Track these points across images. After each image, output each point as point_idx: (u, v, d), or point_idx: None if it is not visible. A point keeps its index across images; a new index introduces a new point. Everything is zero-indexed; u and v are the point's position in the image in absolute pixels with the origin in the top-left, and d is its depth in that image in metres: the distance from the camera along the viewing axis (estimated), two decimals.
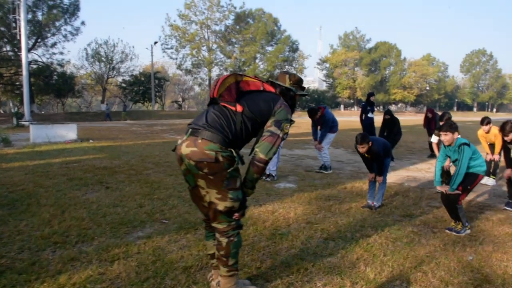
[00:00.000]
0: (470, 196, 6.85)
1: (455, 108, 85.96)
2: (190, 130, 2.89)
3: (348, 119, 39.70)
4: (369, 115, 11.75)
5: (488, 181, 8.27)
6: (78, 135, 16.01)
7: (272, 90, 3.09)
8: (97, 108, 46.22)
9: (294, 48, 54.69)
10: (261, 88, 3.05)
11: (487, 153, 8.37)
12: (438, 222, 5.35)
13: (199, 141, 2.78)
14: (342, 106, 65.35)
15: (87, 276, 3.48)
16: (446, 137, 5.00)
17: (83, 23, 46.83)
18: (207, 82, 56.02)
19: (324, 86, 71.57)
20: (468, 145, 4.98)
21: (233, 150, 2.82)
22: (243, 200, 2.97)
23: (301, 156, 11.45)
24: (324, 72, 66.66)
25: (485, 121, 8.10)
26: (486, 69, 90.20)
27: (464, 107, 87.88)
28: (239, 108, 2.88)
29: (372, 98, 11.98)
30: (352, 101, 66.19)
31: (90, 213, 5.37)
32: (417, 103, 72.82)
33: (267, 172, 7.81)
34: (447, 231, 4.99)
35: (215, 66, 54.68)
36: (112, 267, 3.67)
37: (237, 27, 52.77)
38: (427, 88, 71.38)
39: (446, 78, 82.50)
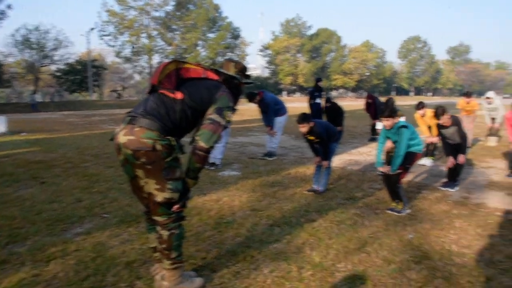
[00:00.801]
0: (409, 177, 7.11)
1: (393, 93, 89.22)
2: (128, 118, 2.76)
3: (291, 105, 39.85)
4: (317, 100, 11.86)
5: (426, 161, 8.63)
6: (8, 128, 15.08)
7: (215, 77, 3.00)
8: (29, 99, 43.79)
9: (236, 35, 54.29)
10: (203, 76, 2.96)
11: (426, 136, 8.71)
12: (380, 204, 5.50)
13: (136, 129, 2.67)
14: (285, 93, 65.95)
15: (19, 279, 3.25)
16: (388, 122, 5.13)
17: (9, 6, 43.87)
18: (147, 70, 54.49)
19: (266, 73, 71.74)
20: (407, 127, 5.13)
21: (171, 139, 2.72)
22: (184, 191, 2.88)
23: (245, 143, 11.42)
24: (267, 59, 66.81)
25: (419, 106, 8.42)
26: (421, 55, 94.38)
27: (402, 91, 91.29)
28: (179, 95, 2.78)
29: (320, 83, 12.09)
30: (294, 87, 66.84)
31: (23, 211, 5.04)
32: (357, 89, 74.80)
33: (212, 160, 7.70)
34: (388, 211, 5.14)
35: (156, 54, 53.23)
36: (48, 268, 3.46)
37: (178, 13, 51.46)
38: (367, 73, 73.40)
39: (385, 64, 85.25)
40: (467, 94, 11.17)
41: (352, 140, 12.59)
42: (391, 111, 5.12)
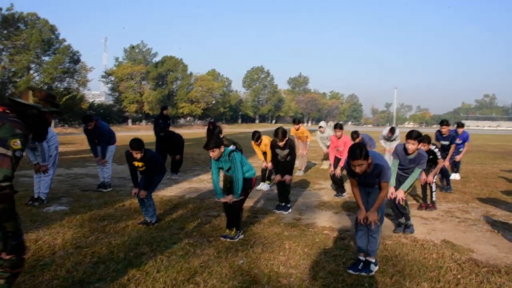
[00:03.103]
0: (247, 203, 7.25)
1: (239, 121, 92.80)
2: None
3: (136, 134, 39.01)
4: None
5: (262, 186, 8.95)
6: None
7: None
8: None
9: (75, 60, 50.61)
10: None
11: (262, 161, 9.05)
12: (214, 231, 5.46)
13: None
14: (130, 121, 63.62)
15: None
16: (214, 153, 5.09)
17: None
18: None
19: (110, 100, 68.46)
20: (236, 151, 5.21)
21: None
22: (7, 236, 2.48)
23: (80, 175, 10.54)
24: (110, 85, 63.94)
25: (256, 135, 8.74)
26: (264, 85, 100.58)
27: (248, 119, 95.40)
28: None
29: (165, 112, 11.86)
30: (140, 115, 64.81)
31: None
32: (204, 116, 75.77)
33: (36, 195, 6.92)
34: (222, 238, 5.11)
35: None
36: None
37: (5, 31, 45.96)
38: (213, 102, 74.88)
39: (230, 93, 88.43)
40: (295, 121, 11.96)
41: (195, 167, 12.56)
42: (216, 142, 5.09)
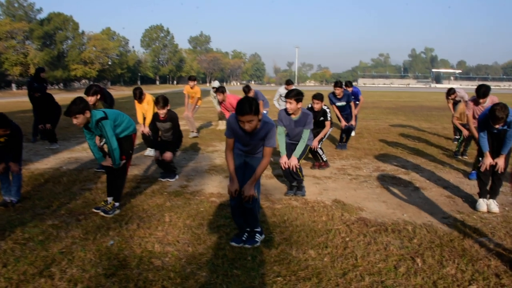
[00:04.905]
0: (131, 171, 6.70)
1: (139, 82, 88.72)
2: None
3: (22, 99, 35.61)
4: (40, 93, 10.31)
5: (151, 152, 8.33)
6: None
7: None
8: None
9: None
10: None
11: (141, 124, 8.27)
12: (87, 207, 4.87)
13: None
14: (14, 86, 57.45)
15: None
16: (78, 120, 4.35)
17: None
18: None
19: None
20: (105, 118, 4.57)
21: None
22: None
23: None
24: None
25: (137, 93, 7.95)
26: (164, 44, 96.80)
27: (148, 80, 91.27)
28: None
29: (42, 74, 10.59)
30: (26, 79, 58.61)
31: None
32: (101, 79, 70.99)
33: None
34: (94, 210, 4.61)
35: None
36: None
37: None
38: (110, 63, 70.55)
39: (128, 53, 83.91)
40: (191, 78, 11.41)
41: (80, 134, 11.45)
42: (78, 108, 4.35)
